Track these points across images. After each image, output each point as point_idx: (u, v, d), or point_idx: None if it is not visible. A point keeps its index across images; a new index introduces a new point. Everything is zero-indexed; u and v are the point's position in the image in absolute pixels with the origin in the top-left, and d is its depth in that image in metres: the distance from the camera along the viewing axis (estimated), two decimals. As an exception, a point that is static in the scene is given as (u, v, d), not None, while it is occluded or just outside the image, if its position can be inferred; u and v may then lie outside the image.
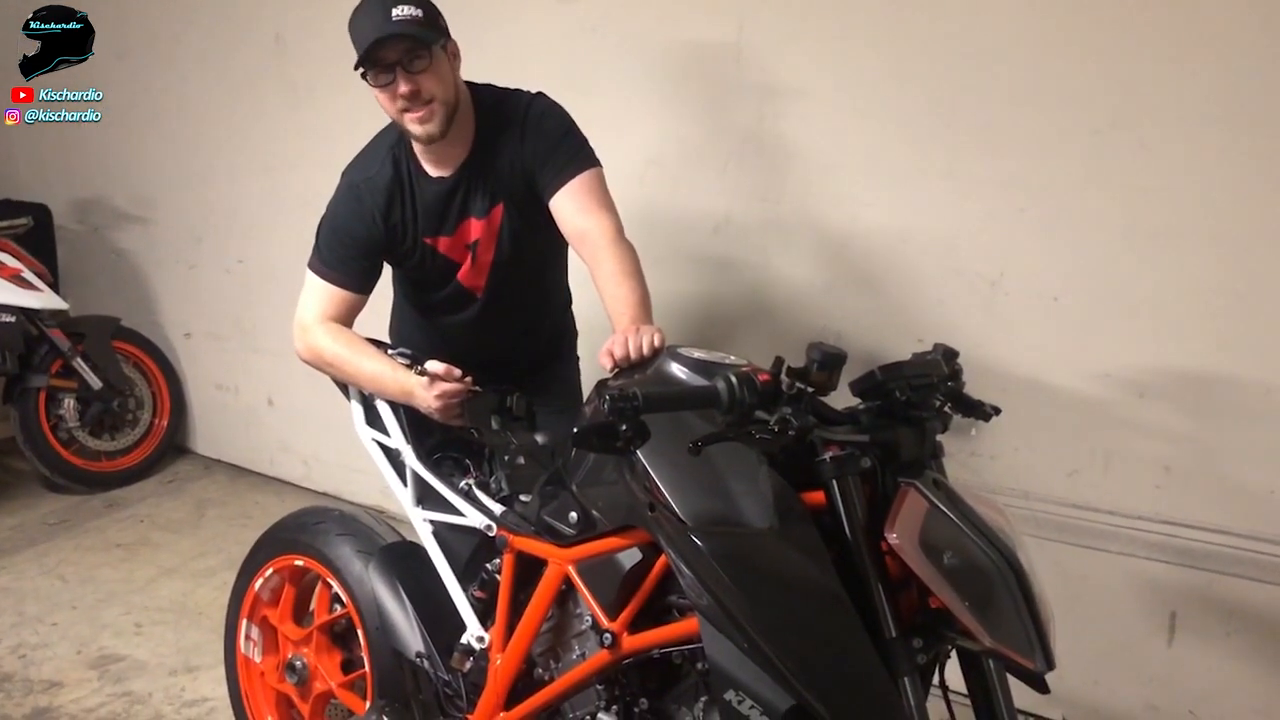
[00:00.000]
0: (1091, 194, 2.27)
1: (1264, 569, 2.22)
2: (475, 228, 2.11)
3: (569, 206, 2.01)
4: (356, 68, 1.91)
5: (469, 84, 2.08)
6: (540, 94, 2.12)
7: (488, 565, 1.89)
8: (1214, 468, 2.25)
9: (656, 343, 1.64)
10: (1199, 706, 2.38)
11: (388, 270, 2.20)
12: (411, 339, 2.29)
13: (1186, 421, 2.26)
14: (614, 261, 1.91)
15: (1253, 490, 2.21)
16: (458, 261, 2.15)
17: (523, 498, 1.87)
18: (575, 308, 2.51)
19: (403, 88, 1.91)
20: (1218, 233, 2.15)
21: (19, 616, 3.23)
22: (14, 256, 4.04)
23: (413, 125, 1.96)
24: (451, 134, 2.00)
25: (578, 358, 2.54)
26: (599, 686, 1.62)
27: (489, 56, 2.38)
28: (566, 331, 2.51)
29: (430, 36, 1.91)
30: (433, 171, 2.07)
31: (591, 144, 2.09)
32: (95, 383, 4.16)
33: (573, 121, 2.09)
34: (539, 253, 2.21)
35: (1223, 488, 2.24)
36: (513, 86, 2.14)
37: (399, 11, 1.87)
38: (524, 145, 2.05)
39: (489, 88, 2.13)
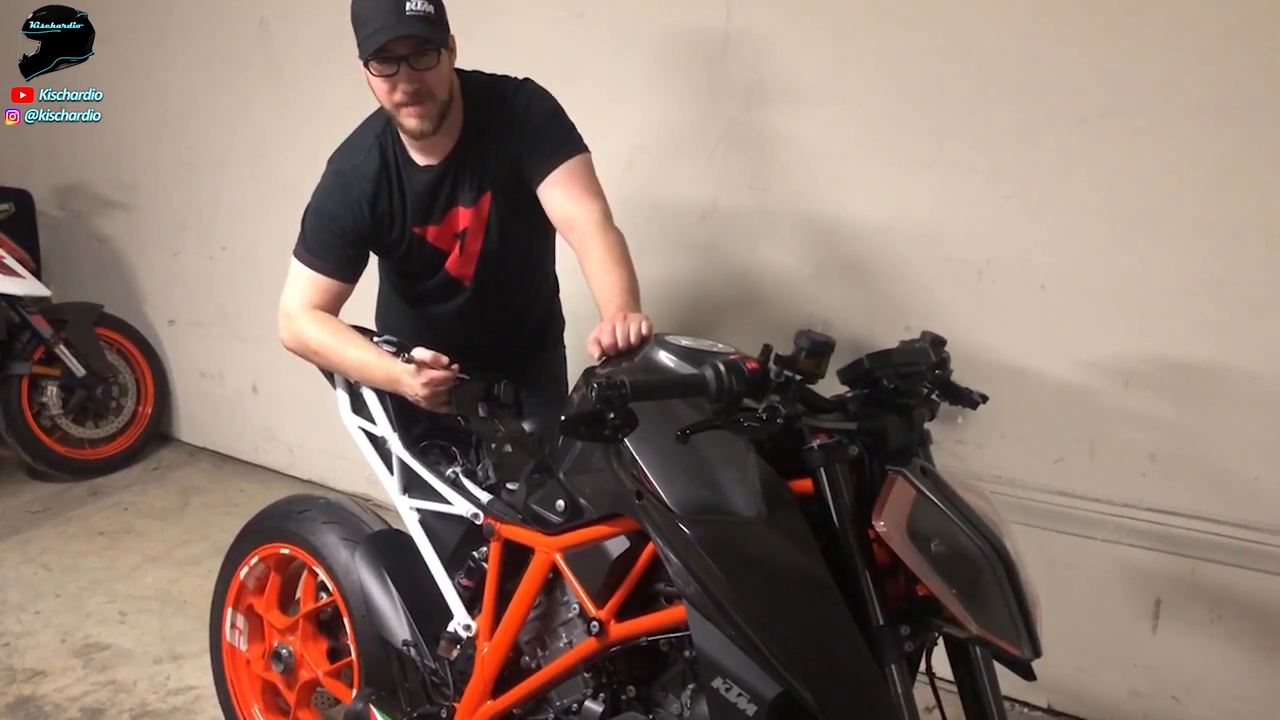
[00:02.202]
0: (1078, 182, 2.27)
1: (1248, 556, 2.24)
2: (463, 216, 2.09)
3: (556, 193, 2.00)
4: (361, 57, 1.88)
5: (456, 70, 2.05)
6: (527, 80, 2.10)
7: (475, 553, 1.88)
8: (1199, 455, 2.26)
9: (644, 330, 1.64)
10: (1182, 692, 2.40)
11: (374, 257, 2.18)
12: (398, 327, 2.27)
13: (1172, 409, 2.27)
14: (602, 248, 1.90)
15: (1237, 477, 2.23)
16: (446, 250, 2.13)
17: (510, 486, 1.86)
18: (562, 295, 2.50)
19: (407, 85, 1.89)
20: (1204, 221, 2.15)
21: (1, 605, 3.21)
22: (-5, 243, 4.01)
23: (408, 120, 1.94)
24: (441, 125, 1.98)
25: (564, 345, 2.53)
26: (586, 674, 1.62)
27: (476, 42, 2.35)
28: (553, 319, 2.50)
29: (441, 37, 1.90)
30: (420, 160, 2.05)
31: (579, 130, 2.07)
32: (78, 370, 4.12)
33: (560, 107, 2.08)
34: (527, 240, 2.20)
35: (1208, 475, 2.26)
36: (500, 73, 2.13)
37: (412, 6, 1.83)
38: (511, 132, 2.03)
39: (476, 74, 2.11)
